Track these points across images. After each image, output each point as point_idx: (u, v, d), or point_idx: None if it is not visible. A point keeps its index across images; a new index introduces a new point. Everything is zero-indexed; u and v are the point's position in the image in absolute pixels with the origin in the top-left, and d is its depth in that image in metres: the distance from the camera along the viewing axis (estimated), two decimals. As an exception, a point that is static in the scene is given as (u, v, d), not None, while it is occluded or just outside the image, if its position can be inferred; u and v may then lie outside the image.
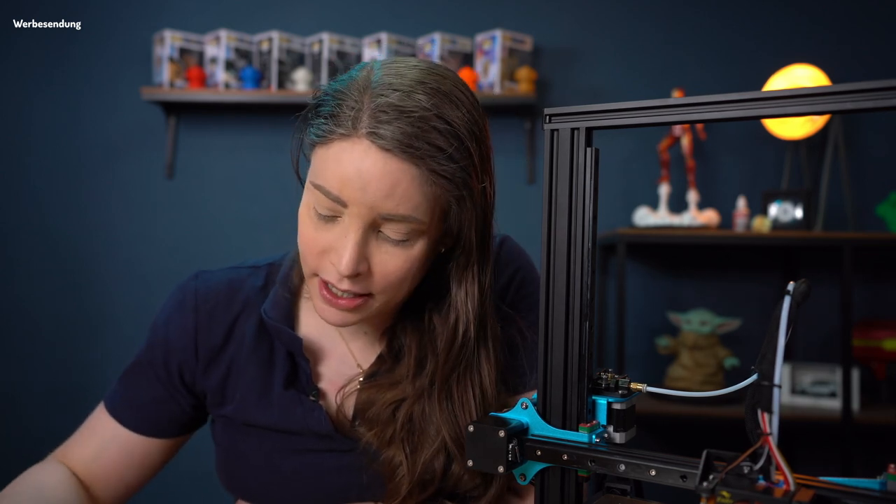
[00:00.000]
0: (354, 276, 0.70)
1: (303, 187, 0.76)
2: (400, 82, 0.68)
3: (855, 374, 2.26)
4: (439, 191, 0.69)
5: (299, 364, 0.83)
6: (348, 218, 0.69)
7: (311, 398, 0.82)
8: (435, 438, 0.77)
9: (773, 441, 0.41)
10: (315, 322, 0.87)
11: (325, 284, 0.73)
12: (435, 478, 0.78)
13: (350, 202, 0.68)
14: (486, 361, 0.78)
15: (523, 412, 0.54)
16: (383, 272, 0.71)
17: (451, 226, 0.73)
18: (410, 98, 0.67)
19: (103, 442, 0.86)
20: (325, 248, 0.71)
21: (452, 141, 0.68)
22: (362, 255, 0.70)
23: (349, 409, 0.82)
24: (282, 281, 0.86)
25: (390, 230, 0.70)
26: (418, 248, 0.72)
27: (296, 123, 0.75)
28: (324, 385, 0.85)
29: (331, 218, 0.71)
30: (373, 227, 0.70)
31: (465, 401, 0.77)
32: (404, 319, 0.82)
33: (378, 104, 0.67)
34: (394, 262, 0.71)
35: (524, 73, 2.48)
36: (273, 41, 2.55)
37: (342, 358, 0.86)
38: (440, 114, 0.68)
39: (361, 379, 0.83)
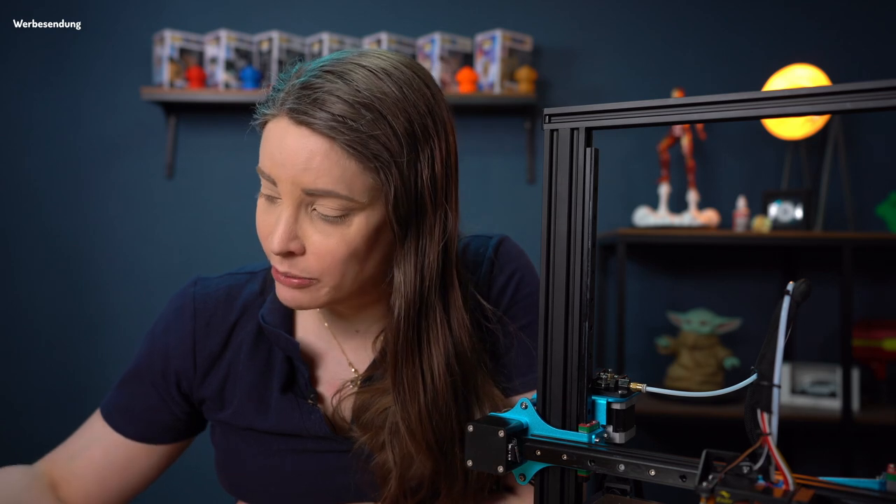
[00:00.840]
0: (286, 254, 0.71)
1: None
2: (331, 64, 0.71)
3: (855, 374, 2.26)
4: (360, 165, 0.69)
5: (297, 368, 0.83)
6: (282, 196, 0.71)
7: (310, 402, 0.82)
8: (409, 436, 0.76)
9: (772, 441, 0.41)
10: (312, 325, 0.87)
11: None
12: (424, 483, 0.78)
13: (277, 179, 0.70)
14: (435, 346, 0.76)
15: (523, 412, 0.54)
16: (318, 252, 0.71)
17: (389, 207, 0.72)
18: (333, 74, 0.69)
19: (88, 442, 0.87)
20: (269, 230, 0.73)
21: (366, 113, 0.68)
22: (293, 234, 0.71)
23: (346, 410, 0.82)
24: None
25: (321, 207, 0.70)
26: (355, 227, 0.71)
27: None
28: (321, 388, 0.85)
29: (273, 200, 0.73)
30: (303, 205, 0.71)
31: (414, 388, 0.75)
32: (387, 323, 0.81)
33: (301, 83, 0.69)
34: (328, 241, 0.71)
35: (524, 73, 2.48)
36: (273, 41, 2.55)
37: (337, 360, 0.86)
38: (361, 88, 0.68)
39: (359, 382, 0.82)
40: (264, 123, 0.72)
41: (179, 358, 0.85)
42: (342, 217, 0.70)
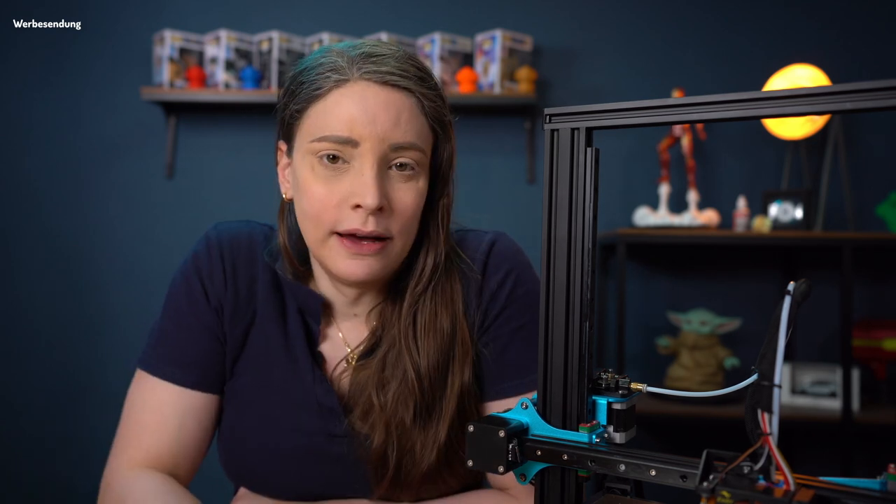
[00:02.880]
0: (379, 210, 0.73)
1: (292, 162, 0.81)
2: (369, 42, 0.79)
3: (855, 374, 2.26)
4: (429, 120, 0.78)
5: (311, 327, 0.84)
6: (360, 158, 0.73)
7: (318, 370, 0.83)
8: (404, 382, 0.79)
9: (773, 441, 0.41)
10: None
11: (346, 237, 0.74)
12: (415, 459, 0.79)
13: (362, 139, 0.73)
14: (446, 297, 0.82)
15: (523, 412, 0.54)
16: (401, 208, 0.76)
17: (443, 164, 0.82)
18: (385, 47, 0.78)
19: (176, 416, 0.83)
20: (343, 197, 0.74)
21: (429, 76, 0.79)
22: (384, 188, 0.74)
23: (344, 388, 0.84)
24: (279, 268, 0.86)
25: (402, 162, 0.75)
26: (422, 183, 0.78)
27: (275, 117, 0.83)
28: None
29: (340, 168, 0.74)
30: (385, 163, 0.75)
31: (432, 329, 0.80)
32: (384, 303, 0.84)
33: (360, 53, 0.76)
34: (407, 196, 0.76)
35: (524, 73, 2.48)
36: (273, 41, 2.55)
37: (335, 339, 0.87)
38: (413, 56, 0.80)
39: (356, 357, 0.84)
40: (325, 93, 0.75)
41: (220, 289, 0.84)
42: (416, 173, 0.77)
